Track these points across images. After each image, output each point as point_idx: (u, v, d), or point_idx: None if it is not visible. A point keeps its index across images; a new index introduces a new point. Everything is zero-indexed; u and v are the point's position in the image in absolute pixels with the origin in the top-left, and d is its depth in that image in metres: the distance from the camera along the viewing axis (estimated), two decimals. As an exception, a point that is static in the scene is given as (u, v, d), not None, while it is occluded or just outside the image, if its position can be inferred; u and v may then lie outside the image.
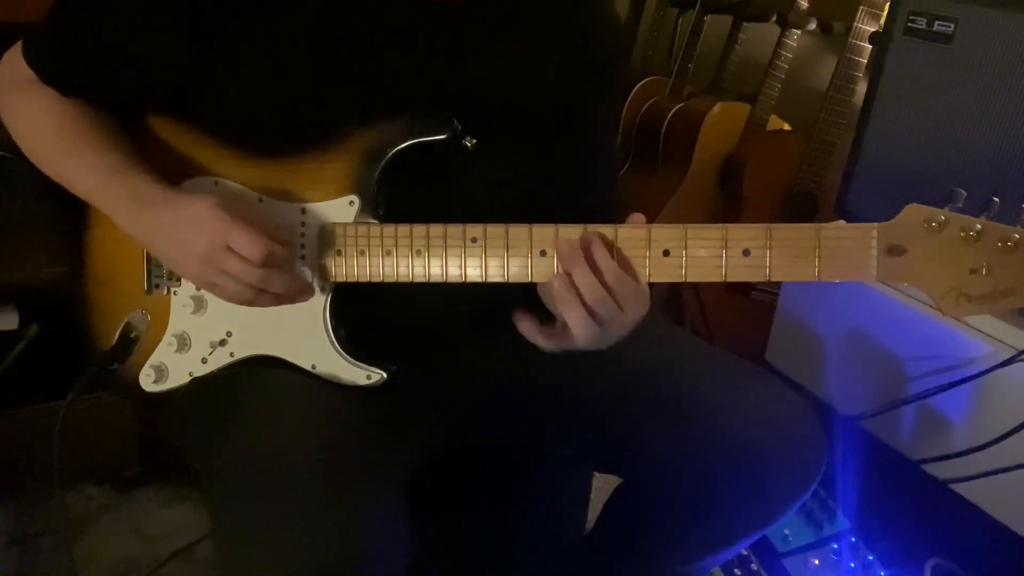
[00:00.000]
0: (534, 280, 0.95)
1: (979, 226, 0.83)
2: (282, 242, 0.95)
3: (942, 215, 0.84)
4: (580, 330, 0.92)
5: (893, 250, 0.85)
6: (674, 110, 2.37)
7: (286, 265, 0.96)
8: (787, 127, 2.34)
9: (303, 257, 0.99)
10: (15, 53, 1.05)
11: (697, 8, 2.51)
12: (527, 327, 0.97)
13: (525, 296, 1.00)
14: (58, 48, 1.03)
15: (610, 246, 0.91)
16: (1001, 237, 0.82)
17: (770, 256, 0.88)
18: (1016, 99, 1.37)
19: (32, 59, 1.03)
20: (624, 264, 0.91)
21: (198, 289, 1.03)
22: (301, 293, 0.98)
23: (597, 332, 0.92)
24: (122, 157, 1.00)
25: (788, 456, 1.01)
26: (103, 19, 1.00)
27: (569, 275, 0.91)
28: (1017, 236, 0.82)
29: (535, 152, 1.05)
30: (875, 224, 0.85)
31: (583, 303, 0.90)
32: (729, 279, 0.89)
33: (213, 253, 0.92)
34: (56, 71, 1.03)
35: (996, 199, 0.83)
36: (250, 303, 0.96)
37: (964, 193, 0.84)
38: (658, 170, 2.40)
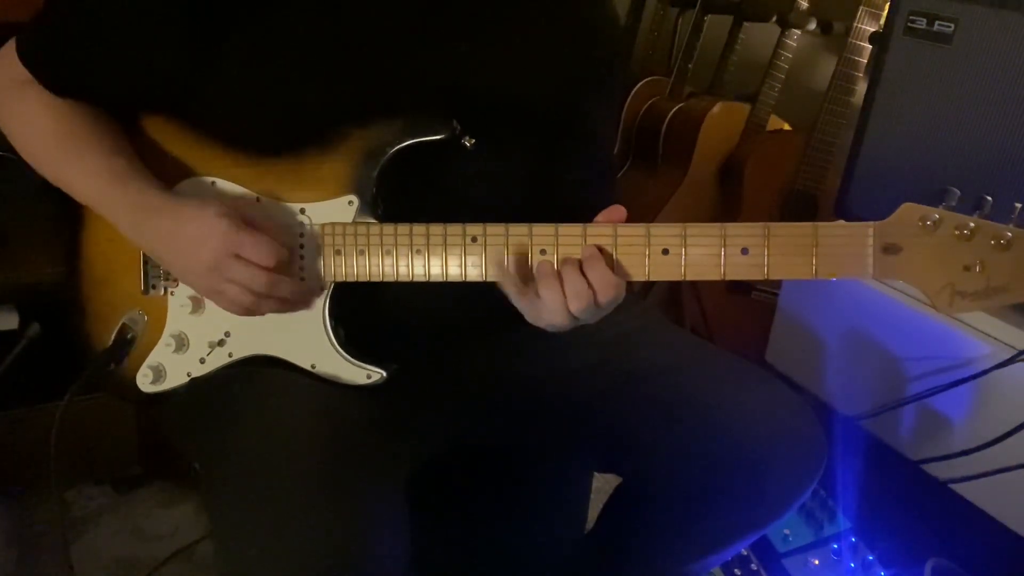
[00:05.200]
0: None
1: (973, 224, 0.84)
2: (284, 245, 0.95)
3: (937, 214, 0.84)
4: (553, 313, 0.92)
5: (889, 248, 0.86)
6: (674, 110, 2.37)
7: (289, 270, 0.97)
8: (787, 127, 2.34)
9: (302, 257, 0.99)
10: (8, 52, 1.04)
11: (697, 8, 2.51)
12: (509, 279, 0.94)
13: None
14: (54, 47, 1.03)
15: (608, 256, 0.91)
16: (994, 235, 0.83)
17: (768, 254, 0.88)
18: (1016, 99, 1.37)
19: (27, 59, 1.02)
20: (616, 268, 0.92)
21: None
22: (304, 298, 0.98)
23: (567, 318, 0.93)
24: (124, 163, 1.00)
25: (788, 456, 1.01)
26: (100, 17, 0.99)
27: (559, 272, 0.91)
28: (1010, 234, 0.83)
29: (534, 151, 1.05)
30: (871, 223, 0.86)
31: (563, 294, 0.91)
32: (728, 277, 0.90)
33: (220, 263, 0.93)
34: (52, 71, 1.03)
35: (989, 198, 0.84)
36: (248, 311, 0.97)
37: (958, 192, 0.84)
38: (658, 170, 2.39)
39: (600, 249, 0.91)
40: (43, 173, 1.05)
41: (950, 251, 0.85)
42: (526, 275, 0.93)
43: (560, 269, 0.91)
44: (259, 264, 0.92)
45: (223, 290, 0.95)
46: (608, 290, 0.90)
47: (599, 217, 0.93)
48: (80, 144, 1.01)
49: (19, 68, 1.03)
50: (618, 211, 0.92)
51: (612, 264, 0.91)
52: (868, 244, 0.86)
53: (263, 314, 0.98)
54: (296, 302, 0.98)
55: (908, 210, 0.85)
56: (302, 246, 0.99)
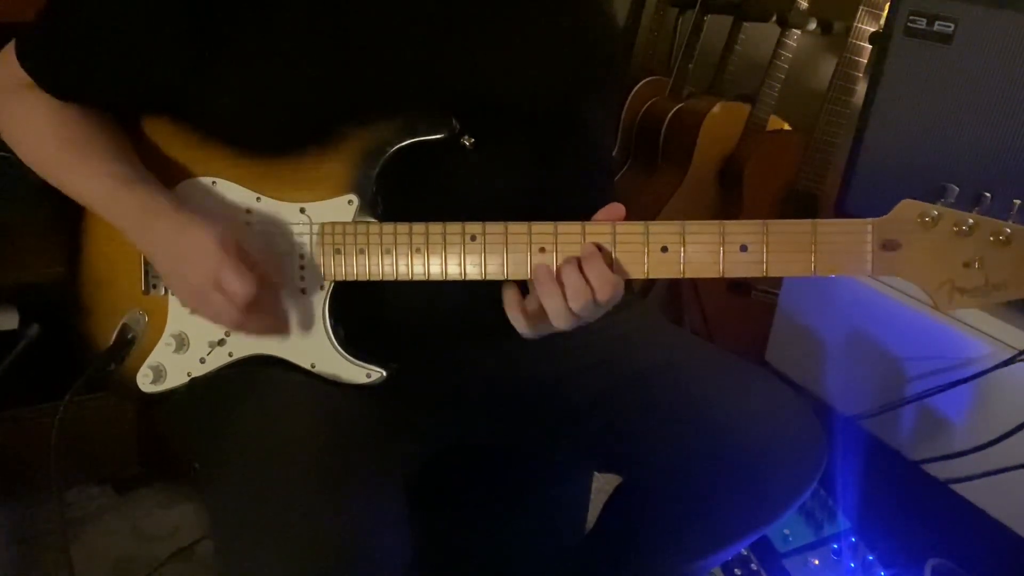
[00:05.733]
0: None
1: (971, 220, 0.84)
2: (275, 275, 0.97)
3: (935, 210, 0.85)
4: (556, 318, 0.93)
5: (887, 245, 0.86)
6: (674, 110, 2.37)
7: (271, 300, 0.99)
8: (787, 127, 2.34)
9: (302, 256, 0.99)
10: (8, 56, 1.03)
11: (697, 8, 2.51)
12: (510, 299, 0.97)
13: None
14: (54, 50, 1.02)
15: (607, 255, 0.91)
16: (993, 231, 0.83)
17: (767, 251, 0.89)
18: (1016, 99, 1.37)
19: (27, 63, 1.02)
20: (615, 265, 0.92)
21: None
22: (276, 333, 1.00)
23: (571, 320, 0.93)
24: (129, 167, 1.00)
25: (788, 456, 1.01)
26: (99, 20, 0.99)
27: (558, 271, 0.92)
28: (1009, 230, 0.83)
29: (533, 150, 1.05)
30: (870, 219, 0.86)
31: (564, 296, 0.91)
32: (727, 275, 0.90)
33: (202, 287, 0.94)
34: (53, 75, 1.02)
35: (988, 194, 0.84)
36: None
37: (956, 189, 0.85)
38: (658, 170, 2.40)
39: (599, 247, 0.91)
40: (44, 176, 1.04)
41: (949, 247, 0.85)
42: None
43: (559, 268, 0.91)
44: (232, 299, 0.93)
45: (203, 311, 0.98)
46: (607, 288, 0.90)
47: (598, 215, 0.93)
48: (83, 148, 1.01)
49: (19, 71, 1.03)
50: (617, 209, 0.92)
51: (611, 262, 0.91)
52: (867, 241, 0.86)
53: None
54: (274, 331, 1.00)
55: (907, 206, 0.86)
56: (302, 245, 0.99)
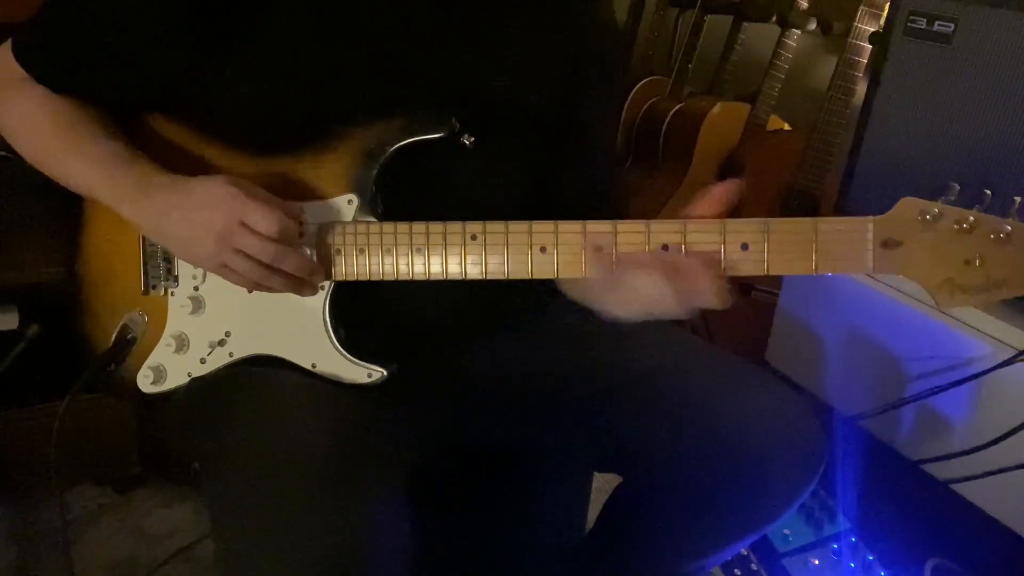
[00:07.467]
0: (534, 277, 0.95)
1: (972, 218, 0.84)
2: (293, 218, 0.95)
3: (936, 208, 0.85)
4: (645, 291, 0.90)
5: (888, 243, 0.86)
6: (674, 110, 2.38)
7: (296, 246, 0.96)
8: (787, 127, 2.35)
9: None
10: (4, 51, 1.04)
11: (697, 8, 2.52)
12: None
13: (525, 293, 1.00)
14: (50, 46, 1.02)
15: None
16: (994, 229, 0.83)
17: (768, 250, 0.89)
18: (1016, 98, 1.37)
19: (23, 58, 1.02)
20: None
21: (196, 289, 1.03)
22: (312, 275, 0.97)
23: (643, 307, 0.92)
24: (124, 147, 1.00)
25: (788, 455, 1.01)
26: (96, 16, 0.99)
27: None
28: (1009, 228, 0.83)
29: (534, 149, 1.05)
30: (870, 217, 0.86)
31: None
32: (728, 273, 0.90)
33: (229, 230, 0.92)
34: (49, 69, 1.03)
35: (988, 192, 0.84)
36: (259, 285, 0.96)
37: (957, 186, 0.85)
38: (658, 170, 2.40)
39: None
40: (40, 167, 1.04)
41: (950, 245, 0.85)
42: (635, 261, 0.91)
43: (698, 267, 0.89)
44: (265, 234, 0.92)
45: (230, 263, 0.94)
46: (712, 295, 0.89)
47: (696, 207, 0.92)
48: (78, 134, 1.01)
49: (14, 66, 1.03)
50: (724, 191, 0.92)
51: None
52: (868, 239, 0.86)
53: (273, 291, 0.97)
54: (301, 283, 0.97)
55: (907, 204, 0.85)
56: (302, 245, 0.99)
